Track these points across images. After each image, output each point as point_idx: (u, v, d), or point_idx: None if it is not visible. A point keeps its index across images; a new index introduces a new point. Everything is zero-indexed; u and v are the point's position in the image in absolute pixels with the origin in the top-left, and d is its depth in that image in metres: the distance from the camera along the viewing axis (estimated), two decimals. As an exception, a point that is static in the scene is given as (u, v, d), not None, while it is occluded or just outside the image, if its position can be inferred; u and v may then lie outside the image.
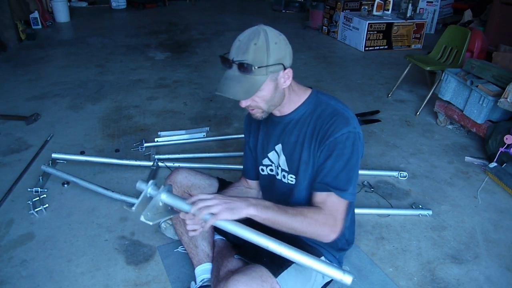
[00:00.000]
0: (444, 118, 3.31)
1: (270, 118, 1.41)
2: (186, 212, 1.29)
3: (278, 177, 1.46)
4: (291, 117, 1.37)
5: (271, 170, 1.48)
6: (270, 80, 1.21)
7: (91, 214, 2.18)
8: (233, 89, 1.19)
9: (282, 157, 1.41)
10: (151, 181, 1.28)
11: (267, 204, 1.20)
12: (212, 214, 1.15)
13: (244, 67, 1.17)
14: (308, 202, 1.40)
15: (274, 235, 1.21)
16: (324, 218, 1.25)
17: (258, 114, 1.30)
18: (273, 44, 1.18)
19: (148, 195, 1.27)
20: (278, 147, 1.42)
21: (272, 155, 1.45)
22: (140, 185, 1.29)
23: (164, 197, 1.28)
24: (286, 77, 1.25)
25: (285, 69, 1.22)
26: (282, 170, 1.43)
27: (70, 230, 2.06)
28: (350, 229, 1.56)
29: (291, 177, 1.42)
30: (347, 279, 1.16)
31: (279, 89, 1.26)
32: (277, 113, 1.38)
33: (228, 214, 1.14)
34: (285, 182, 1.44)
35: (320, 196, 1.29)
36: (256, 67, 1.16)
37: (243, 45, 1.18)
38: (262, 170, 1.51)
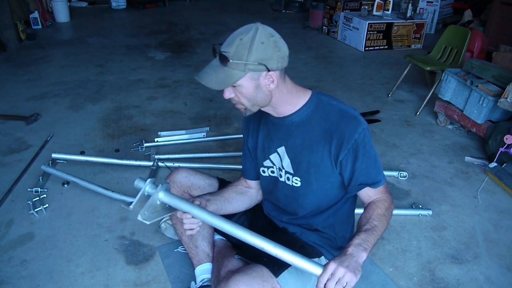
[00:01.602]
0: (444, 118, 3.31)
1: (270, 119, 1.41)
2: (184, 212, 1.29)
3: (282, 179, 1.45)
4: (292, 119, 1.35)
5: (272, 172, 1.48)
6: (250, 79, 1.20)
7: (91, 214, 2.18)
8: (208, 76, 1.21)
9: (286, 160, 1.40)
10: (149, 179, 1.27)
11: (363, 237, 1.23)
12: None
13: (222, 58, 1.18)
14: (319, 203, 1.43)
15: (274, 235, 1.21)
16: (386, 204, 1.35)
17: (241, 109, 1.31)
18: (259, 43, 1.16)
19: (146, 193, 1.27)
20: (281, 150, 1.41)
21: (274, 157, 1.44)
22: (138, 183, 1.28)
23: (162, 196, 1.28)
24: (270, 80, 1.22)
25: (269, 71, 1.20)
26: (286, 172, 1.42)
27: (70, 230, 2.06)
28: (350, 228, 1.56)
29: (296, 179, 1.41)
30: (318, 270, 1.16)
31: (262, 90, 1.24)
32: (274, 113, 1.36)
33: (355, 277, 1.11)
34: (289, 184, 1.43)
35: (364, 195, 1.38)
36: (232, 61, 1.17)
37: (232, 37, 1.19)
38: (263, 171, 1.50)
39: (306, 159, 1.36)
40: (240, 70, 1.18)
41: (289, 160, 1.40)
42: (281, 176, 1.45)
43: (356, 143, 1.29)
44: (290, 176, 1.42)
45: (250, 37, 1.16)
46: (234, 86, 1.22)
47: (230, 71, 1.18)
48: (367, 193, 1.37)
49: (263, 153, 1.47)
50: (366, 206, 1.37)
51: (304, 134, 1.34)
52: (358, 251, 1.17)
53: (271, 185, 1.51)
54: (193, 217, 1.29)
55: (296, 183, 1.41)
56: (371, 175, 1.34)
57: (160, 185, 1.28)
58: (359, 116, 1.32)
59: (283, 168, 1.42)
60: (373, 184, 1.35)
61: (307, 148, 1.35)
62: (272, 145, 1.42)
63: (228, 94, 1.25)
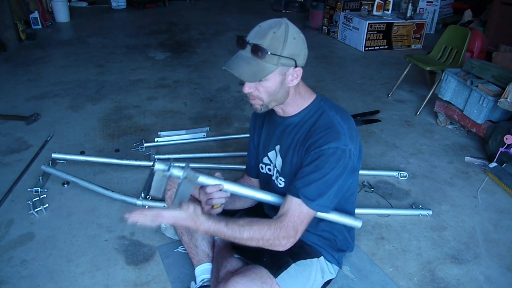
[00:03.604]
0: (444, 118, 3.31)
1: (273, 117, 1.41)
2: (214, 184, 1.30)
3: (273, 177, 1.46)
4: (292, 120, 1.36)
5: (269, 169, 1.49)
6: (279, 73, 1.20)
7: (91, 214, 2.18)
8: (241, 68, 1.18)
9: (279, 159, 1.41)
10: (171, 161, 1.27)
11: (223, 229, 1.22)
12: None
13: (258, 50, 1.16)
14: None
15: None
16: (277, 233, 1.23)
17: (257, 105, 1.29)
18: (292, 38, 1.18)
19: (170, 175, 1.26)
20: (278, 148, 1.42)
21: (271, 154, 1.45)
22: (158, 165, 1.25)
23: (191, 176, 1.25)
24: (295, 76, 1.24)
25: (296, 66, 1.22)
26: (277, 171, 1.44)
27: (70, 230, 2.06)
28: (351, 228, 1.55)
29: (281, 179, 1.42)
30: (358, 223, 1.43)
31: (285, 86, 1.25)
32: (280, 112, 1.37)
33: (153, 224, 1.18)
34: (276, 184, 1.45)
35: (289, 201, 1.27)
36: (269, 53, 1.16)
37: (263, 30, 1.18)
38: (262, 168, 1.52)
39: (289, 159, 1.36)
40: (273, 63, 1.18)
41: (280, 160, 1.40)
42: (273, 175, 1.46)
43: (320, 153, 1.23)
44: (278, 176, 1.43)
45: (283, 31, 1.17)
46: (259, 81, 1.21)
47: (263, 64, 1.18)
48: (285, 202, 1.27)
49: (264, 149, 1.49)
50: (269, 218, 1.28)
51: (294, 135, 1.35)
52: (206, 224, 1.19)
53: (264, 182, 1.53)
54: (220, 190, 1.30)
55: (280, 184, 1.42)
56: (310, 189, 1.24)
57: (187, 167, 1.25)
58: (343, 135, 1.25)
59: (276, 166, 1.43)
60: (305, 198, 1.24)
61: (292, 149, 1.35)
62: (271, 143, 1.44)
63: (248, 88, 1.23)
